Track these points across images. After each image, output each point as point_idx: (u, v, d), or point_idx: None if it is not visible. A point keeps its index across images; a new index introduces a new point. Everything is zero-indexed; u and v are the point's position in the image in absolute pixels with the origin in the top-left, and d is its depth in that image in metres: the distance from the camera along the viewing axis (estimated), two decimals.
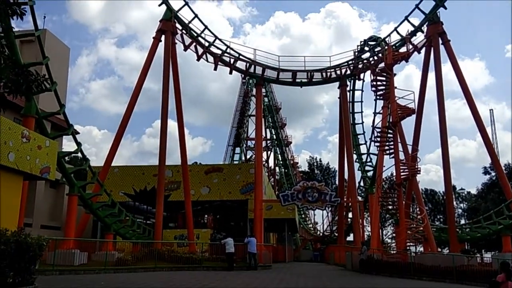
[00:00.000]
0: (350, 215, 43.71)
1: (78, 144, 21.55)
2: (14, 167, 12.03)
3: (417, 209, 31.17)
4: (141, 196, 32.27)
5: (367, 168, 46.67)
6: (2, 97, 6.63)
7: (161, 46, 28.50)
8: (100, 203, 23.96)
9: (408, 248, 24.13)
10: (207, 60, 30.43)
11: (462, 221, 65.90)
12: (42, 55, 18.98)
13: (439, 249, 36.65)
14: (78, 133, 28.71)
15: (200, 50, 29.88)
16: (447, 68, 53.39)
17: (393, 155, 25.49)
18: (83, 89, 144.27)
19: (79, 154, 22.71)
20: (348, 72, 33.87)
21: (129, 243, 24.29)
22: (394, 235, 44.71)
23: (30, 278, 10.63)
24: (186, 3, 29.33)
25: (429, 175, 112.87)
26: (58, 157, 17.06)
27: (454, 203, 64.50)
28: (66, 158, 21.94)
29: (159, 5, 28.51)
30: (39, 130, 17.77)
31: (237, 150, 60.34)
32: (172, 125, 65.93)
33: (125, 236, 25.44)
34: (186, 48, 29.42)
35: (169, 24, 28.50)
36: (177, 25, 29.04)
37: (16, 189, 12.56)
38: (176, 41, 29.19)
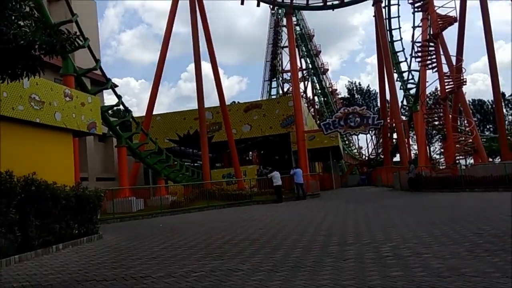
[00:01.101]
0: (394, 135, 43.14)
1: (119, 96, 22.00)
2: (62, 125, 12.52)
3: (465, 121, 30.26)
4: (185, 140, 33.04)
5: (409, 86, 45.39)
6: (39, 59, 6.73)
7: None
8: (147, 151, 24.80)
9: (457, 162, 23.75)
10: None
11: None
12: (71, 13, 18.98)
13: (490, 159, 35.92)
14: (117, 86, 29.24)
15: None
16: None
17: (436, 69, 24.50)
18: (114, 41, 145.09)
19: (121, 107, 23.29)
20: None
21: (181, 186, 25.29)
22: (442, 150, 43.98)
23: (94, 228, 11.41)
24: None
25: (476, 85, 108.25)
26: (102, 111, 17.53)
27: (504, 110, 62.18)
28: (109, 111, 22.50)
29: None
30: (79, 88, 18.21)
31: (274, 84, 59.86)
32: (207, 66, 65.93)
33: (176, 180, 26.44)
34: None
35: None
36: None
37: (68, 147, 13.15)
38: None
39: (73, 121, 13.06)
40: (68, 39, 7.06)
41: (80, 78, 19.13)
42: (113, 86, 22.39)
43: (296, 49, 44.02)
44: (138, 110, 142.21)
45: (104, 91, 27.13)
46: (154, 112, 28.67)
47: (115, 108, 23.28)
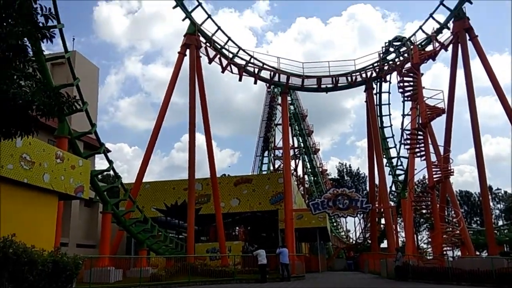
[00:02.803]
0: (382, 221, 42.88)
1: (110, 162, 21.94)
2: (49, 187, 12.33)
3: (452, 212, 30.30)
4: (172, 210, 32.54)
5: (398, 172, 45.81)
6: (35, 120, 6.77)
7: (186, 60, 28.85)
8: (133, 219, 24.27)
9: (444, 252, 23.43)
10: (231, 72, 30.66)
11: (500, 222, 63.90)
12: (73, 77, 19.49)
13: (477, 253, 35.52)
14: (110, 151, 29.25)
15: (225, 62, 30.15)
16: (476, 64, 52.11)
17: (424, 157, 24.91)
18: (112, 107, 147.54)
19: (111, 172, 23.12)
20: (374, 74, 33.48)
21: (163, 259, 24.51)
22: (429, 240, 43.57)
23: None
24: (209, 16, 29.69)
25: (463, 176, 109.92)
26: (91, 175, 17.39)
27: (491, 203, 62.64)
28: (99, 176, 22.32)
29: (183, 19, 28.89)
30: (72, 150, 18.19)
31: (265, 160, 60.30)
32: (200, 138, 66.85)
33: (158, 251, 25.64)
34: (210, 60, 29.72)
35: (193, 38, 28.83)
36: (201, 38, 29.34)
37: (52, 210, 12.85)
38: (201, 54, 29.47)
39: (61, 184, 12.89)
40: (67, 102, 7.17)
41: (74, 141, 19.19)
42: (106, 151, 22.41)
43: (289, 128, 44.98)
44: (129, 177, 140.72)
45: (96, 155, 27.10)
46: (144, 180, 28.47)
47: (105, 173, 23.15)
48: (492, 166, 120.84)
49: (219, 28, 29.94)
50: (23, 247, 8.99)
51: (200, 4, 29.36)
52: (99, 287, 17.29)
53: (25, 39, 6.60)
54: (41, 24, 7.12)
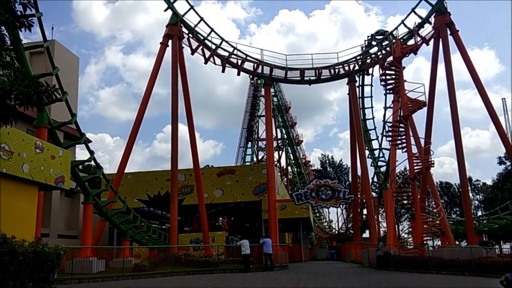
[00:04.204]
0: (365, 211, 43.46)
1: (91, 152, 21.72)
2: (29, 178, 12.18)
3: (433, 202, 30.85)
4: (155, 201, 32.41)
5: (380, 163, 46.40)
6: (14, 109, 6.68)
7: (168, 51, 28.65)
8: (115, 210, 24.12)
9: (425, 242, 23.90)
10: (214, 63, 30.53)
11: (479, 213, 65.29)
12: (52, 66, 19.17)
13: (457, 242, 36.27)
14: (91, 141, 28.98)
15: (207, 53, 29.98)
16: (456, 58, 52.84)
17: (405, 149, 25.27)
18: (92, 97, 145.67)
19: (93, 162, 22.89)
20: (357, 67, 33.67)
21: (146, 249, 24.45)
22: (410, 229, 44.34)
23: None
24: (192, 7, 29.44)
25: (443, 168, 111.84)
26: (72, 166, 17.21)
27: (470, 194, 63.93)
28: (80, 166, 22.10)
29: (165, 10, 28.60)
30: (52, 140, 17.95)
31: (249, 151, 60.42)
32: (183, 129, 66.36)
33: (141, 242, 25.57)
34: (193, 51, 29.54)
35: (176, 28, 28.60)
36: (183, 29, 29.12)
37: (32, 200, 12.71)
38: (183, 45, 29.28)
39: (41, 174, 12.74)
40: (46, 92, 7.08)
41: (53, 131, 18.91)
42: (87, 141, 22.16)
43: (273, 119, 45.09)
44: (110, 168, 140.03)
45: (77, 145, 26.78)
46: (126, 170, 28.26)
47: (86, 163, 22.89)
48: (471, 158, 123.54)
49: (202, 19, 29.74)
50: (3, 237, 8.90)
51: None
52: (82, 277, 17.19)
53: (3, 27, 6.50)
54: (19, 13, 7.00)
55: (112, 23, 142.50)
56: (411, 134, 26.16)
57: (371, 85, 46.44)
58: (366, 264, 26.16)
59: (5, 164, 11.15)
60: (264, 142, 50.50)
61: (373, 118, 47.35)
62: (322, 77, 32.66)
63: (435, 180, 37.20)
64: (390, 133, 26.93)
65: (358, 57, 33.43)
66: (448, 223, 28.22)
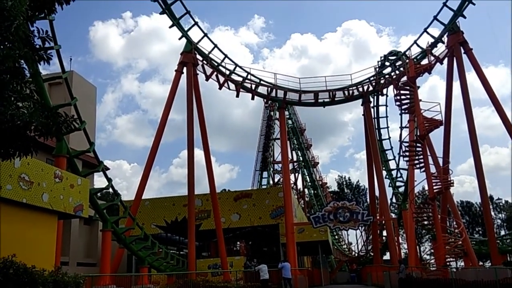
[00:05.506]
0: (384, 233, 42.72)
1: (109, 180, 21.92)
2: (48, 207, 12.31)
3: (454, 222, 30.22)
4: (172, 227, 32.42)
5: (398, 183, 45.83)
6: (34, 140, 6.82)
7: (183, 78, 29.07)
8: (133, 237, 24.15)
9: (448, 263, 23.31)
10: (229, 88, 30.85)
11: (502, 232, 63.68)
12: (70, 96, 19.56)
13: (481, 263, 35.31)
14: (108, 168, 29.31)
15: (222, 79, 30.36)
16: (472, 76, 52.47)
17: (423, 169, 24.93)
18: (109, 125, 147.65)
19: (110, 190, 23.08)
20: (371, 88, 33.67)
21: (164, 276, 24.32)
22: (432, 251, 43.36)
23: None
24: (205, 35, 30.00)
25: (464, 187, 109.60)
26: (90, 194, 17.36)
27: (492, 213, 62.40)
28: (98, 194, 22.28)
29: (179, 38, 29.19)
30: (70, 169, 18.18)
31: (265, 174, 60.24)
32: (199, 154, 66.64)
33: (160, 268, 25.49)
34: (207, 78, 29.94)
35: (190, 56, 29.10)
36: (198, 56, 29.60)
37: (52, 229, 12.81)
38: (198, 71, 29.71)
39: (60, 203, 12.89)
40: (65, 122, 7.23)
41: (72, 160, 19.18)
42: (105, 169, 22.40)
43: (288, 142, 45.09)
44: (128, 194, 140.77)
45: (95, 173, 27.08)
46: (143, 197, 28.43)
47: (104, 191, 23.10)
48: (492, 176, 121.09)
49: (215, 46, 30.24)
50: (23, 267, 8.96)
51: (196, 23, 29.73)
52: None
53: (22, 61, 6.69)
54: (38, 46, 7.22)
55: (128, 52, 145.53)
56: (428, 153, 25.84)
57: (386, 105, 46.37)
58: (387, 287, 25.58)
59: (25, 194, 11.32)
60: (280, 165, 50.39)
61: (389, 138, 47.09)
62: (336, 99, 32.71)
63: (456, 199, 36.58)
64: (407, 153, 26.62)
65: (372, 78, 33.45)
66: (470, 243, 27.56)
